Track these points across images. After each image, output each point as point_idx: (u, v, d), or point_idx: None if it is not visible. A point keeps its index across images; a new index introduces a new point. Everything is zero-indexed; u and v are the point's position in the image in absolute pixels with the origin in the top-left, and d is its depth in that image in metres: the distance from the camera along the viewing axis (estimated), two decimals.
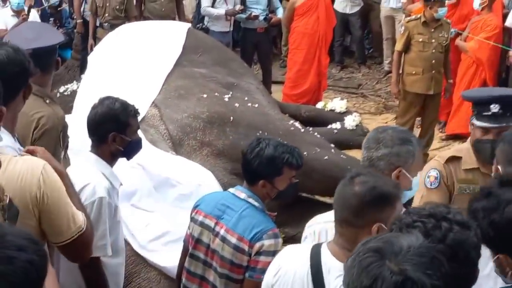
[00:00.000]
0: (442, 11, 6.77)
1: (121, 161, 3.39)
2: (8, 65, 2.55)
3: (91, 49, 7.42)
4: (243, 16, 8.51)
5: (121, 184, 3.33)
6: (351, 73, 10.49)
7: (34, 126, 3.22)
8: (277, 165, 3.04)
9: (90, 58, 5.94)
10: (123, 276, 3.46)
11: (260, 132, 5.06)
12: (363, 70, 10.55)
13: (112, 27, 7.59)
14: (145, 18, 8.42)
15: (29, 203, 2.30)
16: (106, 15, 8.48)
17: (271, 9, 8.92)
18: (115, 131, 3.20)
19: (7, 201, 2.17)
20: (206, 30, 8.46)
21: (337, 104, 7.02)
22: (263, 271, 2.65)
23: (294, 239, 4.56)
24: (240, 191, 3.12)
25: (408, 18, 7.21)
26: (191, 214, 3.23)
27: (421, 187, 3.44)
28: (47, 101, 3.32)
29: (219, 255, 3.04)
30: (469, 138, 3.50)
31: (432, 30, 6.78)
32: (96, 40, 8.31)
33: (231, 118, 5.18)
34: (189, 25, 6.81)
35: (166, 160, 4.67)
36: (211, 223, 3.10)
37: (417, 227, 1.75)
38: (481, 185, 2.91)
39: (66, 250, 2.48)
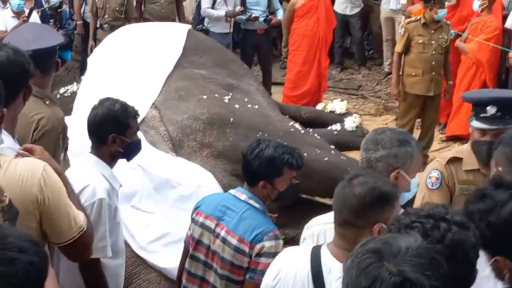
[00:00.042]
0: (442, 13, 6.78)
1: (121, 162, 3.39)
2: (8, 67, 2.55)
3: (92, 51, 7.42)
4: (243, 17, 8.51)
5: (121, 186, 3.33)
6: (351, 75, 10.49)
7: (34, 127, 3.22)
8: (277, 166, 3.04)
9: (90, 59, 5.94)
10: (123, 277, 3.46)
11: (260, 133, 5.06)
12: (363, 71, 10.55)
13: (112, 28, 7.59)
14: (145, 20, 8.42)
15: (30, 205, 2.30)
16: (106, 16, 8.48)
17: (271, 11, 8.93)
18: (115, 133, 3.20)
19: (7, 201, 2.17)
20: (206, 32, 8.47)
21: (337, 105, 7.04)
22: (264, 272, 2.64)
23: (294, 240, 4.56)
24: (240, 193, 3.12)
25: (408, 19, 7.21)
26: (191, 215, 3.22)
27: (422, 188, 3.45)
28: (47, 102, 3.32)
29: (220, 257, 3.04)
30: (470, 139, 3.51)
31: (432, 31, 6.79)
32: (96, 41, 8.32)
33: (231, 119, 5.19)
34: (189, 26, 6.82)
35: (166, 161, 4.68)
36: (211, 224, 3.10)
37: (415, 228, 1.75)
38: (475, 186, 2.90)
39: (67, 250, 2.49)
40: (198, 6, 9.44)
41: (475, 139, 3.40)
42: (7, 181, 2.25)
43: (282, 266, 2.43)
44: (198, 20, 9.39)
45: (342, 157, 5.53)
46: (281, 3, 9.32)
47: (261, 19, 8.52)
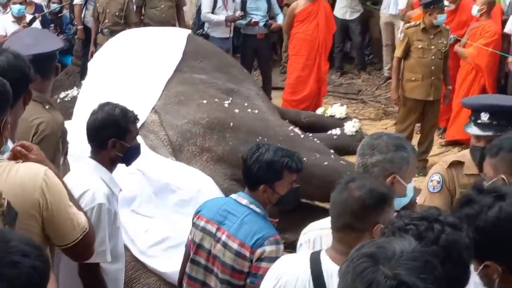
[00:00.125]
0: (441, 18, 6.80)
1: (121, 167, 3.40)
2: (9, 71, 2.56)
3: (92, 56, 7.43)
4: (243, 22, 8.53)
5: (120, 190, 3.34)
6: (351, 79, 10.51)
7: (34, 132, 3.23)
8: (276, 169, 3.05)
9: (91, 64, 5.95)
10: (123, 282, 3.46)
11: (260, 137, 5.06)
12: (363, 76, 10.57)
13: (112, 33, 7.60)
14: (145, 25, 8.44)
15: (32, 210, 2.31)
16: (106, 21, 8.50)
17: (271, 15, 8.95)
18: (114, 137, 3.20)
19: (5, 204, 2.19)
20: (206, 36, 8.47)
21: (337, 110, 7.04)
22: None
23: (294, 245, 4.52)
24: (241, 197, 3.12)
25: (408, 24, 7.22)
26: (192, 220, 3.23)
27: (424, 191, 3.47)
28: (47, 107, 3.33)
29: (220, 261, 3.05)
30: (470, 144, 3.54)
31: (432, 36, 6.81)
32: (96, 46, 8.33)
33: (231, 124, 5.19)
34: (189, 31, 6.82)
35: (166, 165, 4.68)
36: (212, 228, 3.10)
37: (409, 230, 1.76)
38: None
39: (70, 251, 2.51)
40: (198, 11, 9.45)
41: (472, 144, 3.43)
42: (8, 186, 2.27)
43: (282, 274, 2.43)
44: (198, 25, 9.40)
45: (341, 161, 5.53)
46: (281, 8, 9.35)
47: (261, 24, 8.54)
